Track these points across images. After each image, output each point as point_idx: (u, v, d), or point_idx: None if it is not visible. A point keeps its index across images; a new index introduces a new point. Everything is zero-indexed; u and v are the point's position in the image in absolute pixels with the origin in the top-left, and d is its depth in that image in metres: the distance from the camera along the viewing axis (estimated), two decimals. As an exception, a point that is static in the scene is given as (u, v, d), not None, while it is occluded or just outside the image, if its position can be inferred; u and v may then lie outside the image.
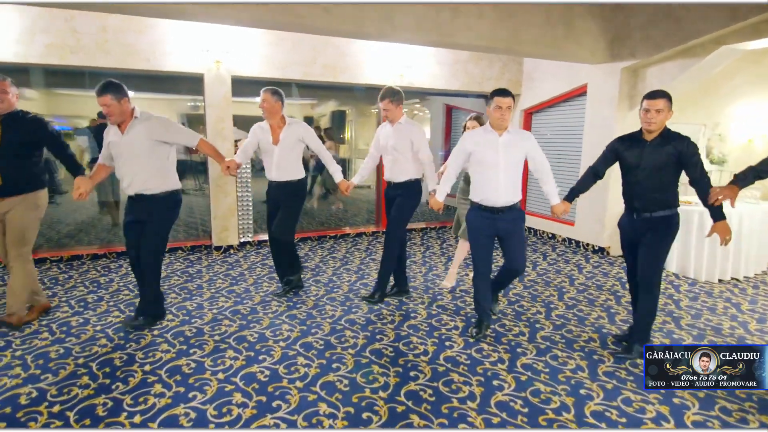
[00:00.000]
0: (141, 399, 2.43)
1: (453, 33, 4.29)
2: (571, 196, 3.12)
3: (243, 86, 5.43)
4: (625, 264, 3.25)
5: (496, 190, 2.96)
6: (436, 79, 6.24)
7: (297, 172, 3.71)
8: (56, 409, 2.34)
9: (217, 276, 4.51)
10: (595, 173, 3.06)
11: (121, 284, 4.23)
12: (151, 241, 3.15)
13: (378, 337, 3.24)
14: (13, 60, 4.30)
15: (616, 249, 5.47)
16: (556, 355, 3.00)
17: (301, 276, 4.13)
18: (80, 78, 5.70)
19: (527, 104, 6.68)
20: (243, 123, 6.63)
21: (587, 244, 5.76)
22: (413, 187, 3.68)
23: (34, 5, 4.11)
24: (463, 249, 4.20)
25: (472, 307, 3.62)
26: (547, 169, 3.10)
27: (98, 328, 3.30)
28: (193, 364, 2.79)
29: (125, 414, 2.31)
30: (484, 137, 3.01)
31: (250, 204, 5.64)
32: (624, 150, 2.88)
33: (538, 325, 3.46)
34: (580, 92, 5.83)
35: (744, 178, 2.56)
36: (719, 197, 2.55)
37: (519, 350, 3.05)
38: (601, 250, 5.60)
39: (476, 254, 3.15)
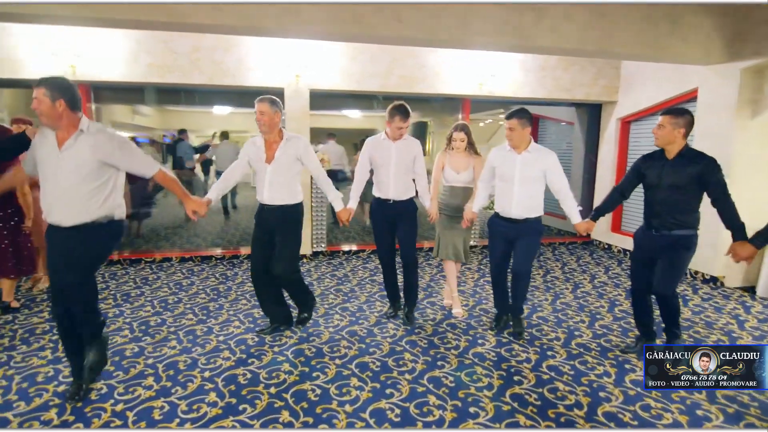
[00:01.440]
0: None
1: (535, 36, 3.96)
2: (596, 215, 3.16)
3: (319, 100, 5.56)
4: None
5: (510, 202, 3.18)
6: (520, 87, 5.88)
7: (293, 195, 3.17)
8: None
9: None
10: (621, 193, 3.12)
11: (200, 287, 4.46)
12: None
13: (480, 341, 3.33)
14: (120, 79, 4.79)
15: (732, 279, 4.66)
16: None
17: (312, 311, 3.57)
18: (188, 95, 6.24)
19: (624, 112, 6.03)
20: (318, 135, 6.83)
21: (696, 272, 4.97)
22: (414, 205, 3.56)
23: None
24: (451, 269, 3.86)
25: (575, 320, 3.81)
26: (563, 188, 3.19)
27: (172, 329, 3.46)
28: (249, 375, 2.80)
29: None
30: (504, 155, 3.23)
31: (324, 213, 5.70)
32: (645, 168, 2.93)
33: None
34: (689, 98, 5.10)
35: (761, 238, 2.55)
36: (735, 260, 2.66)
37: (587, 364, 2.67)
38: (713, 279, 4.79)
39: (490, 255, 3.45)
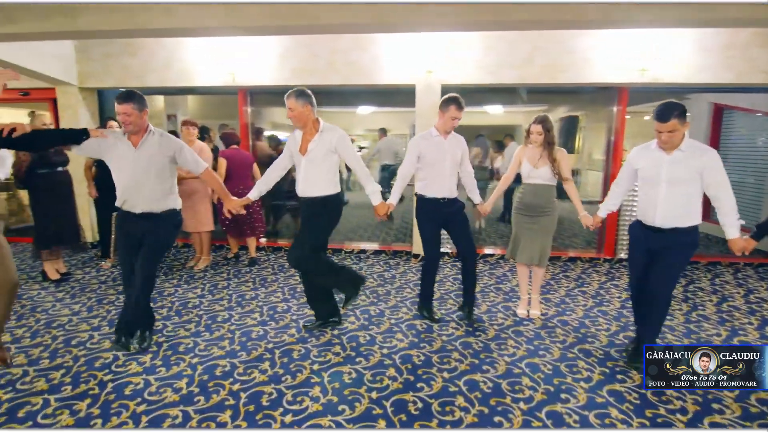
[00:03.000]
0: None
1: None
2: (759, 233, 2.71)
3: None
4: None
5: (654, 208, 2.72)
6: (698, 72, 4.83)
7: (328, 187, 3.06)
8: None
9: (407, 284, 4.51)
10: None
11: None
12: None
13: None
14: (268, 83, 5.25)
15: None
16: None
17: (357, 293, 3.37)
18: (337, 96, 6.62)
19: None
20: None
21: None
22: (462, 200, 3.51)
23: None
24: (524, 274, 3.73)
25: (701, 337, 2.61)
26: (721, 194, 2.61)
27: (294, 317, 3.65)
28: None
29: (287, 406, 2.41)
30: (649, 154, 2.77)
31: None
32: None
33: None
34: None
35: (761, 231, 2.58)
36: (737, 253, 2.62)
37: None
38: None
39: (630, 269, 3.01)
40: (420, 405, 2.45)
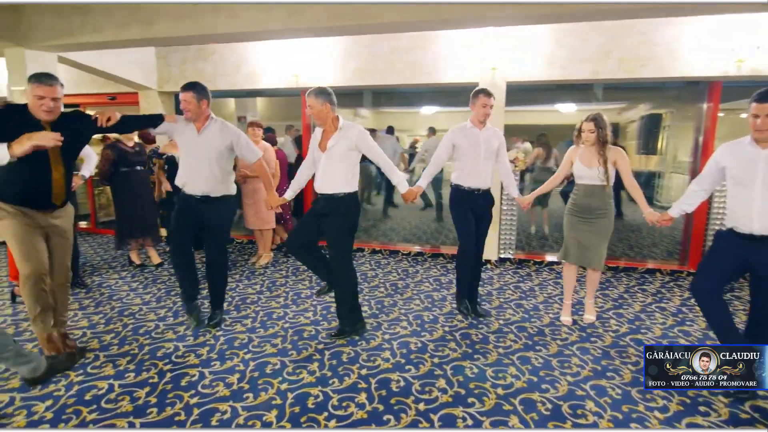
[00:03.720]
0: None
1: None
2: None
3: (521, 93, 5.08)
4: None
5: (749, 213, 2.39)
6: (808, 62, 4.20)
7: (346, 185, 3.06)
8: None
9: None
10: None
11: (381, 281, 4.60)
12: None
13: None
14: (332, 84, 5.28)
15: None
16: None
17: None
18: (399, 97, 6.59)
19: None
20: (517, 132, 6.28)
21: None
22: (493, 196, 3.60)
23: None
24: (570, 276, 3.58)
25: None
26: None
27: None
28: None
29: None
30: (741, 151, 2.44)
31: (515, 217, 5.22)
32: None
33: None
34: None
35: None
36: None
37: None
38: None
39: (703, 277, 2.57)
40: (470, 422, 2.31)
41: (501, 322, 3.58)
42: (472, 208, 3.49)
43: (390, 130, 7.12)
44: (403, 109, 7.90)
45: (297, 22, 3.59)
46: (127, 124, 2.99)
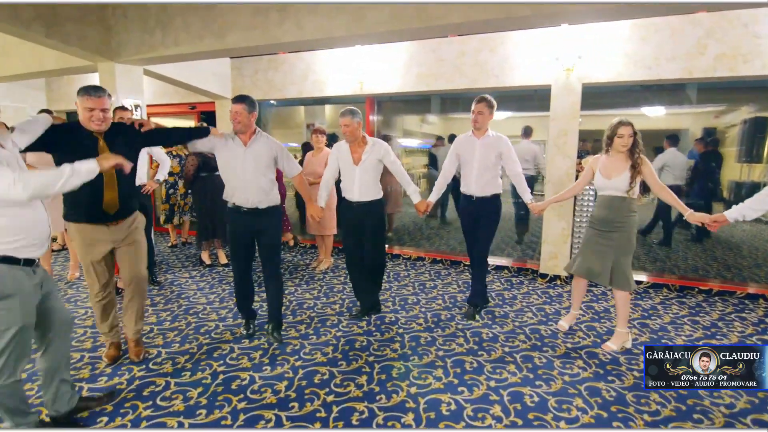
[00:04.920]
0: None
1: None
2: None
3: (595, 97, 4.68)
4: None
5: None
6: None
7: (378, 192, 3.55)
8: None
9: (529, 308, 4.03)
10: None
11: (439, 292, 4.43)
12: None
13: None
14: (394, 90, 5.24)
15: None
16: None
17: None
18: (468, 102, 6.37)
19: None
20: (593, 139, 5.79)
21: None
22: (496, 203, 3.61)
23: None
24: (579, 289, 3.46)
25: None
26: None
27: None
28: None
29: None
30: None
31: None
32: None
33: None
34: None
35: None
36: None
37: None
38: None
39: None
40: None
41: (569, 346, 3.26)
42: (469, 213, 3.62)
43: (527, 132, 6.16)
44: (467, 116, 7.62)
45: (360, 28, 3.55)
46: (171, 136, 3.11)
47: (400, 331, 3.49)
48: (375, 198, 3.52)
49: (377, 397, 2.57)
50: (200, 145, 3.12)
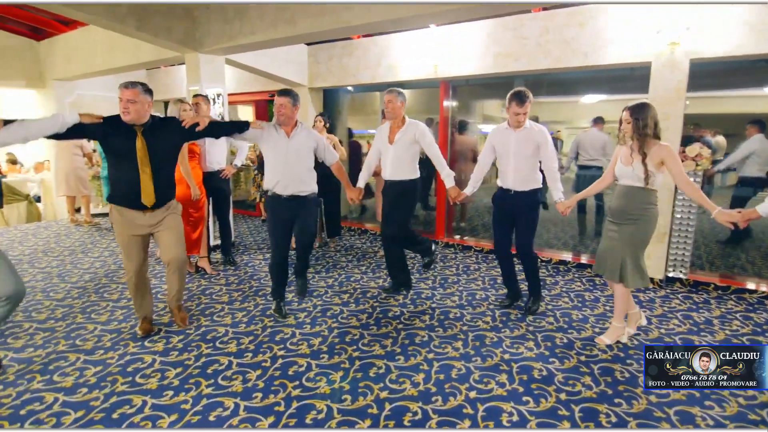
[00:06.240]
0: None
1: None
2: None
3: (705, 77, 4.05)
4: None
5: None
6: None
7: (411, 172, 3.66)
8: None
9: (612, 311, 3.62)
10: None
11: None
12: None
13: None
14: (470, 73, 4.96)
15: None
16: None
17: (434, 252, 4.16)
18: (557, 85, 5.91)
19: None
20: (704, 123, 5.03)
21: None
22: (537, 198, 3.42)
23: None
24: (622, 296, 3.02)
25: None
26: None
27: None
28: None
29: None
30: None
31: (691, 231, 4.20)
32: None
33: None
34: None
35: None
36: None
37: None
38: None
39: None
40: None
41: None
42: (504, 207, 3.48)
43: (598, 121, 5.63)
44: (559, 98, 7.04)
45: (430, 7, 3.37)
46: (214, 131, 3.19)
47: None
48: (407, 178, 3.66)
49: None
50: (243, 137, 3.33)
